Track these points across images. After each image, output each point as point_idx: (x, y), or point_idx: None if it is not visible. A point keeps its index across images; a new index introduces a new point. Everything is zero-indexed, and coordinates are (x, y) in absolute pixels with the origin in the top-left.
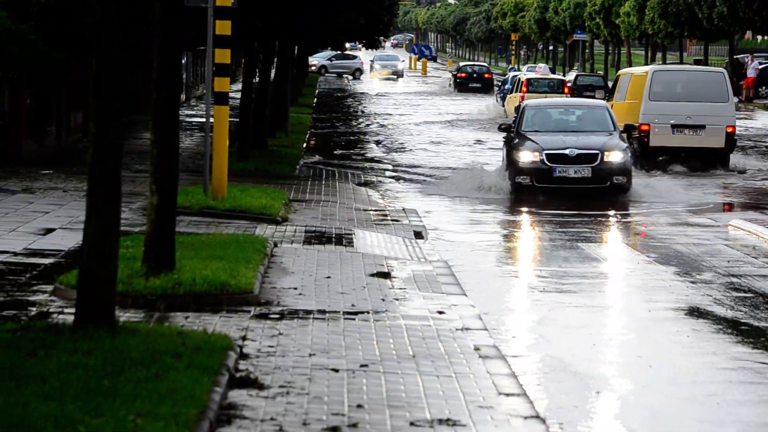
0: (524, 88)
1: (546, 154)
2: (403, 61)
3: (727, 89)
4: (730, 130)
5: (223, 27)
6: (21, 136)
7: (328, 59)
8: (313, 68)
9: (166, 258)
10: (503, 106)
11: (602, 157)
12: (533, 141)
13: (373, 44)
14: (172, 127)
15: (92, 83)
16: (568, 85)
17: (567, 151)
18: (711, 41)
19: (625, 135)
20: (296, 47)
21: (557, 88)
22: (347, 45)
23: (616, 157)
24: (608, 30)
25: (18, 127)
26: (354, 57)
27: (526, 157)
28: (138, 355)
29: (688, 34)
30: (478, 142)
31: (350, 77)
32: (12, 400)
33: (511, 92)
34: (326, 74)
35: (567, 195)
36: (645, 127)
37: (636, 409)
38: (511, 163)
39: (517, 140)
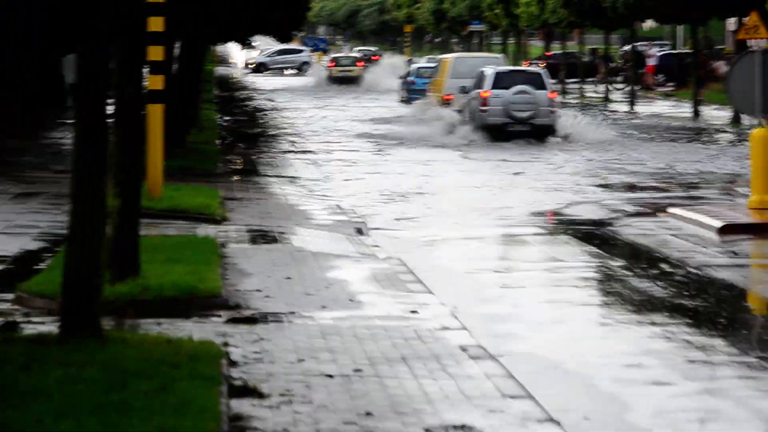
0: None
1: None
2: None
3: None
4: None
5: (156, 23)
6: None
7: (267, 55)
8: (251, 66)
9: (132, 263)
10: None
11: None
12: None
13: (287, 38)
14: (135, 127)
15: (77, 86)
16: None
17: None
18: (611, 31)
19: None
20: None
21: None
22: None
23: None
24: (508, 20)
25: None
26: (299, 51)
27: None
28: (136, 367)
29: (589, 23)
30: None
31: (296, 71)
32: (24, 417)
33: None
34: (266, 72)
35: None
36: (449, 97)
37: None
38: None
39: None
